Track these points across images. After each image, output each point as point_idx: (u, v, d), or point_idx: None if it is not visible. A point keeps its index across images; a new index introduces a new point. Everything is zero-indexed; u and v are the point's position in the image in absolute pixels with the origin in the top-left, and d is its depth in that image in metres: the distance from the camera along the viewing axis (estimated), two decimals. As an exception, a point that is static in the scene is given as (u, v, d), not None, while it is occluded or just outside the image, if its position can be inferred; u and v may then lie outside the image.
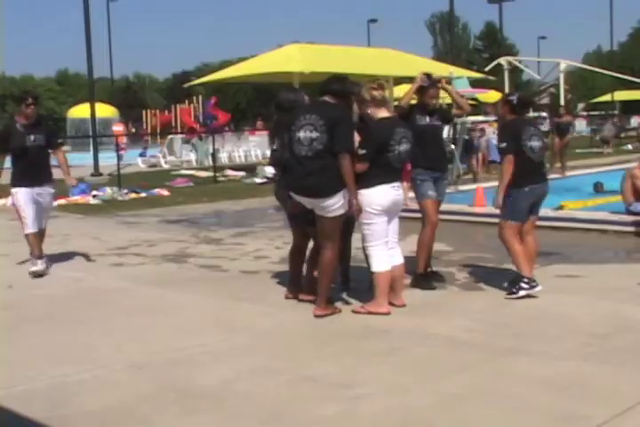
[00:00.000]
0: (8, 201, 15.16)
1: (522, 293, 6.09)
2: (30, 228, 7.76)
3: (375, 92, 5.75)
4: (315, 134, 5.56)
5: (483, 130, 18.35)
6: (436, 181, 6.72)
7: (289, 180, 5.83)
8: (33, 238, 7.81)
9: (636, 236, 9.08)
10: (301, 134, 5.60)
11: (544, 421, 3.73)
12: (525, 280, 6.12)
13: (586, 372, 4.43)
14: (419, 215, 6.77)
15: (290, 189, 5.84)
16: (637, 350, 4.81)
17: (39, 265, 7.70)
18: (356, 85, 5.89)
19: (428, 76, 6.86)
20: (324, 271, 5.77)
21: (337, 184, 5.57)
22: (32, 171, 7.75)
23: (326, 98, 5.73)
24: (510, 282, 6.44)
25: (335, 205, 5.60)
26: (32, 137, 7.71)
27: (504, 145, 6.20)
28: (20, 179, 7.74)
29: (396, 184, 5.78)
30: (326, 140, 5.54)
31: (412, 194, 6.67)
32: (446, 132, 15.57)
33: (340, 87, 5.76)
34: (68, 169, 8.06)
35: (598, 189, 13.26)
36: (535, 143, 6.28)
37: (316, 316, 5.72)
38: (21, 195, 7.75)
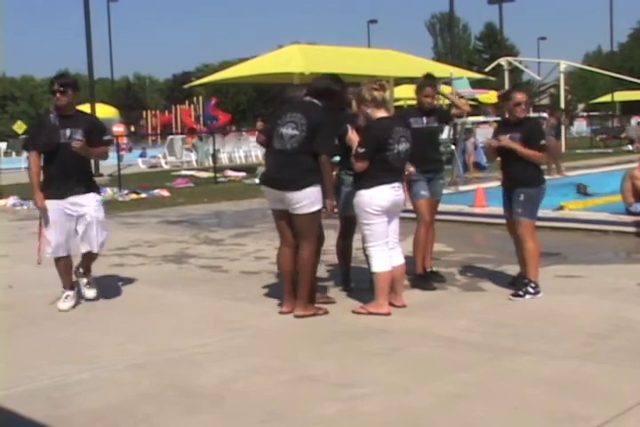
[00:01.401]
0: (8, 201, 15.20)
1: (527, 297, 6.09)
2: (55, 252, 6.28)
3: (376, 93, 5.75)
4: (295, 132, 5.62)
5: (469, 131, 18.32)
6: (431, 180, 6.73)
7: (263, 172, 5.92)
8: (62, 265, 6.38)
9: (636, 236, 9.08)
10: (283, 130, 5.67)
11: (544, 421, 3.73)
12: (533, 285, 6.13)
13: (586, 372, 4.43)
14: (419, 216, 6.78)
15: (261, 182, 5.90)
16: (637, 350, 4.81)
17: (69, 300, 6.29)
18: (338, 83, 5.91)
19: (430, 75, 6.87)
20: (303, 271, 5.75)
21: (307, 179, 5.59)
22: (66, 175, 6.16)
23: (313, 99, 5.76)
24: (512, 283, 6.44)
25: (304, 200, 5.59)
26: (67, 132, 6.14)
27: (544, 142, 6.19)
28: (50, 185, 6.20)
29: (397, 184, 5.78)
30: (304, 138, 5.60)
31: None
32: (446, 132, 15.57)
33: (322, 86, 5.81)
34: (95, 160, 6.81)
35: (581, 190, 13.24)
36: None
37: (297, 316, 5.70)
38: (49, 210, 6.19)
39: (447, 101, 11.64)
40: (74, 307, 6.25)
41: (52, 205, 6.18)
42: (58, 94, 6.16)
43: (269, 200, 5.90)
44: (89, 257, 6.44)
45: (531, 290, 6.11)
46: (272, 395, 4.15)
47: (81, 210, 6.22)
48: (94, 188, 6.44)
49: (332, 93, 5.79)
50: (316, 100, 5.75)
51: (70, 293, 6.34)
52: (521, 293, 6.13)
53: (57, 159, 6.18)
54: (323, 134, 5.61)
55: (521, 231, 6.24)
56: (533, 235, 6.22)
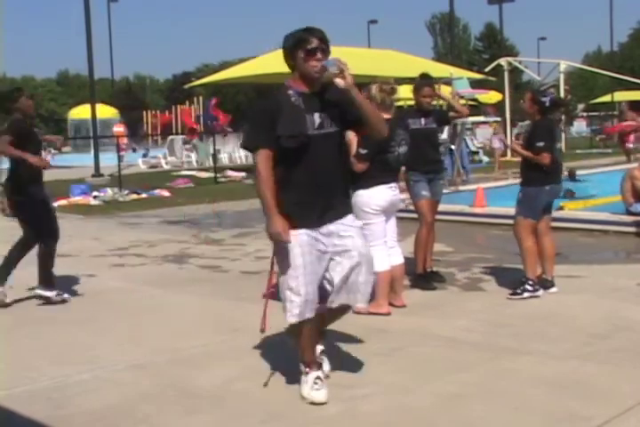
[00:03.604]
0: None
1: (526, 295, 6.10)
2: (302, 313, 3.93)
3: (386, 96, 5.80)
4: None
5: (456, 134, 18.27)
6: (431, 181, 6.75)
7: None
8: (307, 332, 4.04)
9: (636, 236, 9.09)
10: None
11: (544, 421, 3.73)
12: (530, 282, 6.13)
13: (586, 372, 4.43)
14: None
15: None
16: (637, 350, 4.81)
17: (322, 386, 4.02)
18: None
19: (426, 74, 6.88)
20: None
21: None
22: (318, 188, 3.89)
23: None
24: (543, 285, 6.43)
25: None
26: (316, 117, 3.88)
27: (542, 144, 6.10)
28: (293, 205, 3.86)
29: (394, 184, 5.82)
30: None
31: (405, 195, 6.67)
32: (446, 132, 15.57)
33: None
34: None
35: (567, 195, 13.22)
36: (559, 144, 6.40)
37: None
38: (296, 245, 3.86)
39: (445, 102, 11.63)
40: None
41: (301, 238, 3.86)
42: (319, 54, 3.85)
43: None
44: (338, 312, 4.20)
45: (529, 288, 6.12)
46: (272, 395, 4.15)
47: (341, 243, 3.96)
48: (350, 206, 4.23)
49: None
50: None
51: (320, 373, 4.09)
52: (519, 291, 6.14)
53: (304, 162, 3.85)
54: None
55: (514, 229, 6.27)
56: (529, 233, 6.22)
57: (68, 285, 7.26)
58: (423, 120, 6.70)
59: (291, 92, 3.92)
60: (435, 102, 7.35)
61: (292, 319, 3.95)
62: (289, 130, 3.82)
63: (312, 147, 3.83)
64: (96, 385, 4.40)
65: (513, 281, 6.50)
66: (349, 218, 4.05)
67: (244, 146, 4.03)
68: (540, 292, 6.14)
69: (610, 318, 5.54)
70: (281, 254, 3.93)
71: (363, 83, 6.55)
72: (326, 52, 3.88)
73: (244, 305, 6.24)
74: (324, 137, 3.88)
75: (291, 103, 3.87)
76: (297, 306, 3.91)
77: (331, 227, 3.95)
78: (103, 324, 5.79)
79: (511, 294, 6.16)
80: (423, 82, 6.80)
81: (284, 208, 3.84)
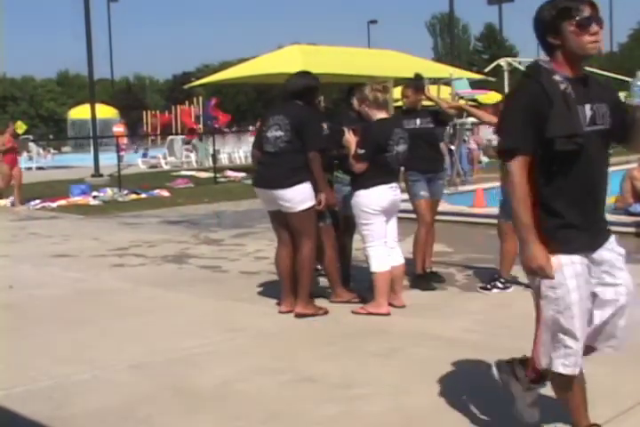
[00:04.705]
0: (8, 201, 15.18)
1: (495, 291, 6.30)
2: (575, 363, 3.11)
3: (379, 94, 5.80)
4: (280, 133, 5.73)
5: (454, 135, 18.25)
6: (430, 180, 6.75)
7: (254, 175, 6.12)
8: (577, 388, 3.27)
9: (636, 236, 9.08)
10: (269, 134, 5.79)
11: (544, 421, 3.72)
12: (502, 280, 6.32)
13: (586, 372, 4.39)
14: (418, 216, 6.78)
15: (253, 184, 6.02)
16: (637, 350, 4.80)
17: None
18: (314, 79, 6.04)
19: (417, 75, 6.89)
20: (303, 270, 5.77)
21: (294, 177, 5.66)
22: (591, 203, 3.08)
23: (295, 100, 5.86)
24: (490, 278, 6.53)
25: (293, 198, 5.65)
26: (588, 110, 3.01)
27: None
28: (562, 228, 3.00)
29: (394, 184, 5.82)
30: (290, 138, 5.70)
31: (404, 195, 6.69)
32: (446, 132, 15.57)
33: (300, 86, 5.92)
34: None
35: None
36: None
37: (297, 314, 5.73)
38: (571, 277, 2.99)
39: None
40: None
41: (577, 268, 3.01)
42: (595, 26, 2.96)
43: (262, 201, 6.01)
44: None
45: (499, 285, 6.32)
46: (272, 396, 4.16)
47: (611, 275, 3.14)
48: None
49: (312, 91, 5.91)
50: (297, 101, 5.84)
51: None
52: (489, 286, 6.34)
53: (575, 169, 2.99)
54: (308, 132, 5.69)
55: (497, 231, 6.48)
56: (509, 236, 6.21)
57: (67, 284, 7.26)
58: (419, 120, 6.70)
59: (558, 77, 2.97)
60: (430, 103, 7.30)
61: (567, 370, 3.10)
62: (565, 129, 2.92)
63: (585, 149, 2.96)
64: (96, 385, 4.40)
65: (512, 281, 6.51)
66: (614, 241, 3.18)
67: (501, 150, 3.03)
68: (511, 289, 6.27)
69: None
70: (550, 287, 3.01)
71: (361, 83, 6.58)
72: (602, 22, 2.98)
73: (244, 305, 6.25)
74: (596, 135, 3.03)
75: (561, 92, 2.94)
76: (573, 354, 3.06)
77: (604, 253, 3.10)
78: (103, 324, 5.79)
79: (481, 288, 6.37)
80: (409, 83, 6.91)
81: (545, 231, 2.97)
